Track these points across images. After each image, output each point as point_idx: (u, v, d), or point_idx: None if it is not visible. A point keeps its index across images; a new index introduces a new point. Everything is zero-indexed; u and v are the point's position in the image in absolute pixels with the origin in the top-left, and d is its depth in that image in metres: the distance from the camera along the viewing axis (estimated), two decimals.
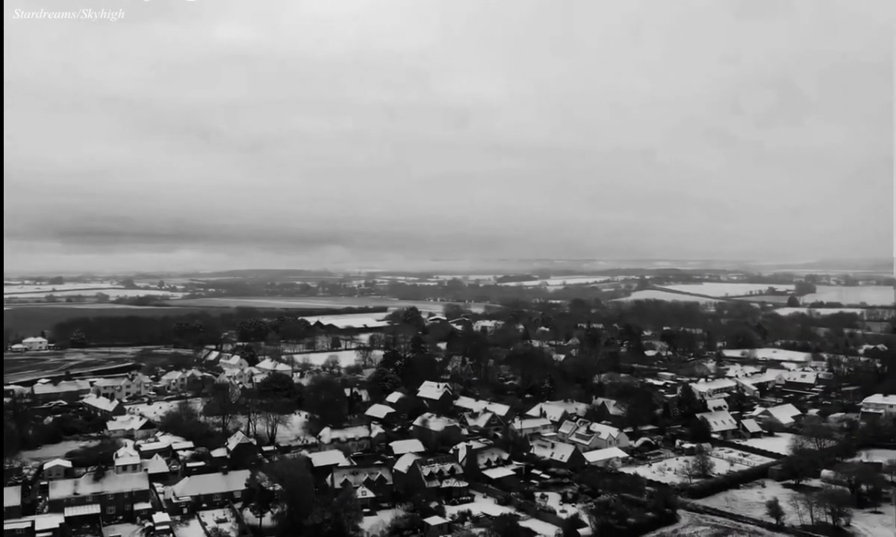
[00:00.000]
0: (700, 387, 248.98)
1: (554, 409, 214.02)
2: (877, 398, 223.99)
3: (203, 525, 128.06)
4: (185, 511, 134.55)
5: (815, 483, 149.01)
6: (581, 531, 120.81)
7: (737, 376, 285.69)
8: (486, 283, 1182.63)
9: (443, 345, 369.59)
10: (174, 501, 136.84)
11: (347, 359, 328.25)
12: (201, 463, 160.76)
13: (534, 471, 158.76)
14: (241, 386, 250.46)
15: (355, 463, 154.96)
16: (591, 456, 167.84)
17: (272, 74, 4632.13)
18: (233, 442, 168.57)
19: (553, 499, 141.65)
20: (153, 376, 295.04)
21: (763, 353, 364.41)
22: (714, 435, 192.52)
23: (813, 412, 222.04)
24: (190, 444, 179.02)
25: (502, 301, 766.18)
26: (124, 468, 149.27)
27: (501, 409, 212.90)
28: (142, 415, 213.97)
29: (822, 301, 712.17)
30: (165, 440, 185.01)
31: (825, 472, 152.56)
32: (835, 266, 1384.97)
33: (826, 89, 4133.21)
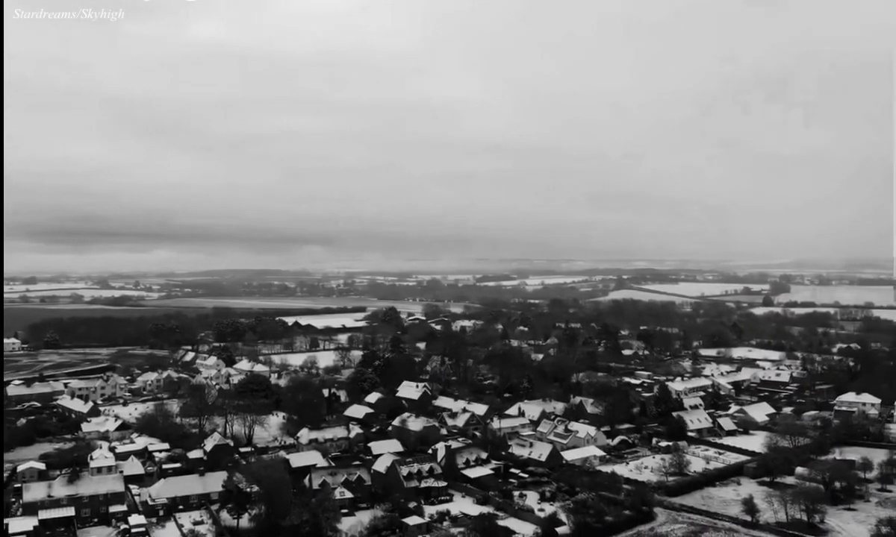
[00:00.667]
0: (676, 385, 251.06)
1: (532, 408, 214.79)
2: (850, 396, 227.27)
3: (179, 527, 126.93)
4: (161, 513, 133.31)
5: (790, 480, 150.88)
6: (559, 529, 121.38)
7: (712, 375, 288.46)
8: (466, 283, 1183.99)
9: (422, 345, 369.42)
10: (150, 503, 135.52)
11: (326, 359, 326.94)
12: (177, 465, 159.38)
13: (512, 470, 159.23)
14: (217, 387, 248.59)
15: (333, 464, 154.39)
16: (569, 455, 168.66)
17: (254, 73, 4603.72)
18: (209, 444, 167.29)
19: (531, 498, 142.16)
20: (129, 377, 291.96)
21: (738, 352, 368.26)
22: (690, 434, 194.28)
23: (787, 410, 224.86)
24: (166, 446, 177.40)
25: (481, 301, 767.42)
26: (99, 470, 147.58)
27: (480, 409, 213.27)
28: (117, 417, 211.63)
29: (796, 300, 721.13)
30: (141, 442, 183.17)
31: (799, 470, 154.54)
32: (809, 266, 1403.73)
33: (811, 92, 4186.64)
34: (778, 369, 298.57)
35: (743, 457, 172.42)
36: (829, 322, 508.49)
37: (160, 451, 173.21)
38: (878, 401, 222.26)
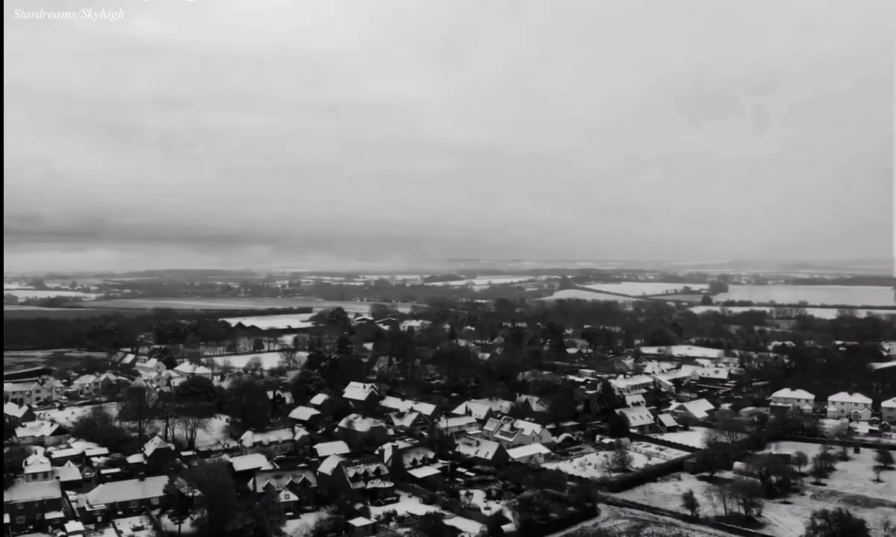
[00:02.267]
0: (619, 383, 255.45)
1: (479, 407, 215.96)
2: (785, 392, 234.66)
3: (118, 533, 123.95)
4: (99, 519, 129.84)
5: (728, 475, 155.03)
6: (505, 527, 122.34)
7: (654, 372, 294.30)
8: (413, 283, 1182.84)
9: (369, 346, 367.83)
10: (88, 509, 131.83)
11: (270, 361, 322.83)
12: (116, 470, 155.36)
13: (459, 469, 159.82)
14: (158, 389, 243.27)
15: (278, 467, 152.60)
16: (515, 453, 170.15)
17: (198, 70, 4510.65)
18: (150, 448, 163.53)
19: (478, 497, 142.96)
20: (65, 380, 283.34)
21: (678, 350, 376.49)
22: (633, 430, 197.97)
23: (725, 406, 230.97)
24: (105, 450, 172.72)
25: (429, 301, 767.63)
26: (34, 476, 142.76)
27: (428, 409, 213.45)
28: (53, 421, 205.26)
29: (733, 299, 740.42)
30: (78, 446, 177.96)
31: (737, 464, 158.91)
32: (746, 266, 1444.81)
33: (755, 102, 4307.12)
34: (716, 366, 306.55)
35: (683, 453, 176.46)
36: (765, 320, 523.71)
37: (98, 456, 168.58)
38: (811, 396, 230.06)
